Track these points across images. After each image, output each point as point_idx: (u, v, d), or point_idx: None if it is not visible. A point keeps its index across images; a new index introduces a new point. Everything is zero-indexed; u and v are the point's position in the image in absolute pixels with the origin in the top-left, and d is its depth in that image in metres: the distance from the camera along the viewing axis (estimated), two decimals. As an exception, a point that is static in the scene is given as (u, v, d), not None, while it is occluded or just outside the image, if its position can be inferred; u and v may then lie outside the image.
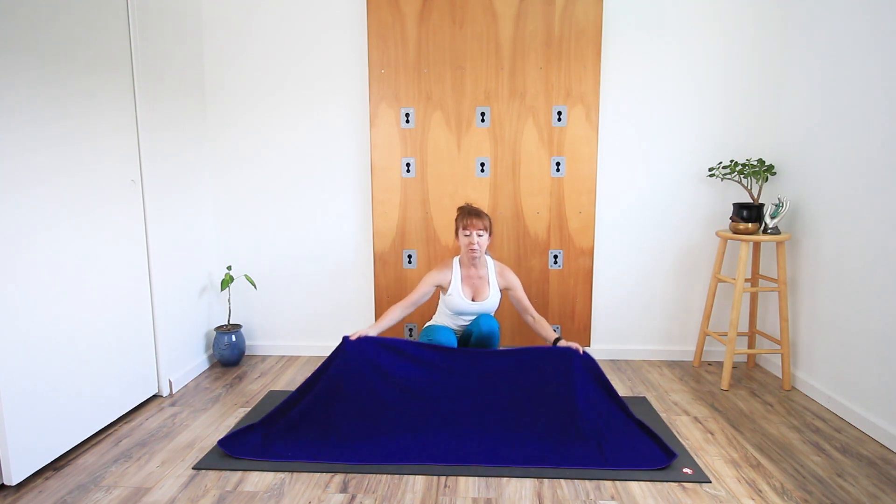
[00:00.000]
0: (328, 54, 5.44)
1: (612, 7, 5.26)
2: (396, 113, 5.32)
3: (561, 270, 5.44)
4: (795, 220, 4.99)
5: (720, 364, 5.55)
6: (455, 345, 4.42)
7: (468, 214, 4.51)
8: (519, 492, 3.39)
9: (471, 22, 5.20)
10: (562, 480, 3.50)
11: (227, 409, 4.54)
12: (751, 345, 5.48)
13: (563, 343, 4.21)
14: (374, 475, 3.57)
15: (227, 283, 5.43)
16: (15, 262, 3.36)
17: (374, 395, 3.98)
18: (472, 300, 4.55)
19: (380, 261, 5.52)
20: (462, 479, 3.52)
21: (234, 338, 5.47)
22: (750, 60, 5.25)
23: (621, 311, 5.66)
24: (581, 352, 4.13)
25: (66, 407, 3.79)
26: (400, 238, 5.47)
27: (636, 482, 3.49)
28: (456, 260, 4.64)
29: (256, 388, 4.96)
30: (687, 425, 4.25)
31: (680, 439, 4.03)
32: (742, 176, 5.13)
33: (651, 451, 3.83)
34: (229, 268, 5.60)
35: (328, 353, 5.72)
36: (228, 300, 5.73)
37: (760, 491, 3.39)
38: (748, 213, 4.93)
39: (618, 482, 3.49)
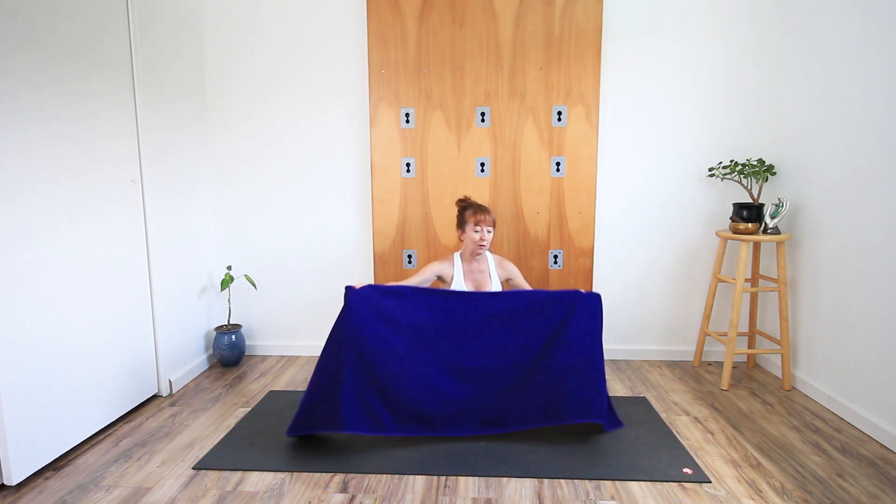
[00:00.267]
0: (328, 55, 5.44)
1: (612, 7, 5.27)
2: (396, 113, 5.32)
3: (561, 270, 5.43)
4: (795, 220, 4.99)
5: (720, 364, 5.55)
6: None
7: (479, 210, 4.53)
8: (519, 492, 3.39)
9: (471, 22, 5.20)
10: (562, 480, 3.50)
11: (227, 410, 4.54)
12: (751, 345, 5.49)
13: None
14: (374, 475, 3.57)
15: (227, 283, 5.43)
16: (15, 262, 3.37)
17: (384, 343, 3.93)
18: None
19: (380, 261, 5.52)
20: (462, 479, 3.52)
21: (233, 338, 5.47)
22: (750, 60, 5.26)
23: (621, 311, 5.66)
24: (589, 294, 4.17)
25: (66, 407, 3.80)
26: (400, 238, 5.47)
27: (636, 482, 3.49)
28: (457, 255, 4.65)
29: (256, 388, 4.96)
30: (687, 425, 4.26)
31: (680, 439, 4.03)
32: (742, 176, 5.13)
33: (600, 408, 4.04)
34: (229, 268, 5.60)
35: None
36: (228, 300, 5.73)
37: (760, 491, 3.40)
38: (748, 213, 4.93)
39: (618, 482, 3.49)
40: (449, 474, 3.57)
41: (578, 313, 4.07)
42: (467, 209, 4.59)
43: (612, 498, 3.33)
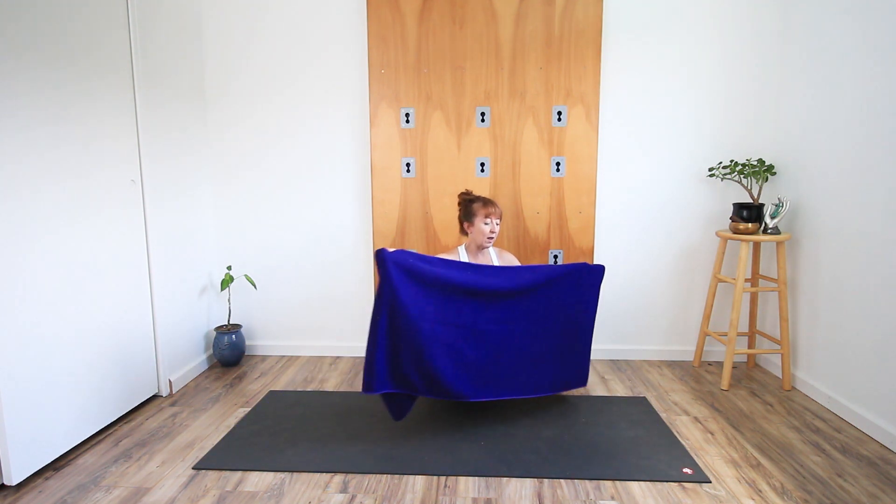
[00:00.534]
0: (328, 55, 5.44)
1: (612, 7, 5.26)
2: (396, 113, 5.32)
3: (561, 270, 5.44)
4: (795, 220, 4.99)
5: (720, 364, 5.55)
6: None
7: (489, 202, 4.59)
8: (519, 492, 3.39)
9: (471, 22, 5.20)
10: (562, 480, 3.50)
11: (227, 410, 4.54)
12: (751, 345, 5.49)
13: None
14: (374, 475, 3.57)
15: (226, 283, 5.43)
16: (15, 262, 3.37)
17: (415, 305, 3.96)
18: None
19: (380, 261, 5.52)
20: (462, 479, 3.52)
21: (233, 338, 5.47)
22: (750, 60, 5.26)
23: (621, 311, 5.66)
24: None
25: (66, 407, 3.80)
26: (400, 238, 5.47)
27: (636, 482, 3.49)
28: (461, 248, 4.68)
29: (256, 388, 4.96)
30: (687, 425, 4.25)
31: (680, 439, 4.03)
32: (742, 176, 5.13)
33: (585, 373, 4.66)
34: (229, 268, 5.61)
35: (328, 354, 5.76)
36: (228, 300, 5.73)
37: (760, 491, 3.40)
38: (748, 213, 4.93)
39: (618, 482, 3.49)
40: (449, 474, 3.57)
41: (583, 287, 4.44)
42: (475, 202, 4.62)
43: (612, 498, 3.33)
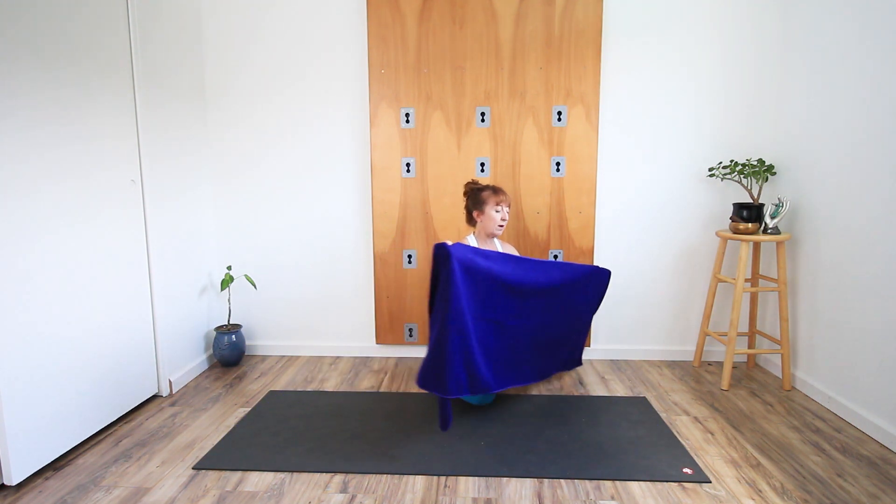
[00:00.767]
0: (328, 55, 5.44)
1: (612, 7, 5.26)
2: (396, 113, 5.32)
3: (561, 270, 5.44)
4: (795, 220, 4.99)
5: (720, 364, 5.55)
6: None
7: (499, 190, 4.68)
8: (519, 492, 3.39)
9: (471, 22, 5.20)
10: (562, 480, 3.50)
11: (227, 410, 4.54)
12: (751, 345, 5.48)
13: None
14: (374, 475, 3.57)
15: (227, 283, 5.43)
16: (15, 262, 3.37)
17: (469, 300, 3.96)
18: None
19: (380, 260, 5.53)
20: (462, 479, 3.52)
21: (233, 338, 5.47)
22: (750, 60, 5.25)
23: (621, 311, 5.65)
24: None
25: (66, 407, 3.80)
26: (400, 238, 5.47)
27: (636, 482, 3.49)
28: (471, 237, 4.75)
29: (256, 388, 4.96)
30: (687, 425, 4.25)
31: (680, 439, 4.03)
32: (742, 176, 5.13)
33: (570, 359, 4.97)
34: (229, 268, 5.60)
35: (328, 354, 5.75)
36: (228, 300, 5.73)
37: (760, 491, 3.40)
38: (748, 213, 4.93)
39: (618, 482, 3.49)
40: (449, 474, 3.57)
41: (590, 286, 4.68)
42: (484, 190, 4.68)
43: (612, 498, 3.33)
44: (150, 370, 4.70)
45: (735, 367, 5.47)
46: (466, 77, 5.26)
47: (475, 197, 4.70)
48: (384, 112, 5.34)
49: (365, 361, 5.65)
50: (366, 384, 5.06)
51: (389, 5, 5.20)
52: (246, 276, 5.56)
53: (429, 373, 3.85)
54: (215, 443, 3.99)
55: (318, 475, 3.57)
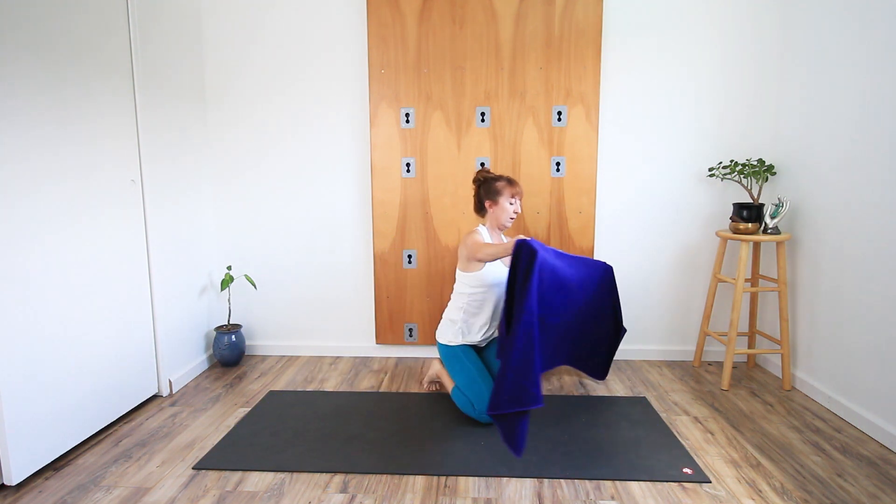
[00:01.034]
0: (328, 55, 5.44)
1: (612, 7, 5.26)
2: (396, 113, 5.32)
3: (561, 270, 5.43)
4: (795, 220, 4.99)
5: (720, 364, 5.55)
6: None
7: (514, 182, 4.57)
8: (519, 492, 3.39)
9: (471, 22, 5.20)
10: (562, 480, 3.50)
11: (227, 409, 4.54)
12: (751, 345, 5.48)
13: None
14: (374, 475, 3.57)
15: (227, 283, 5.42)
16: (16, 262, 3.37)
17: (541, 301, 3.83)
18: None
19: (380, 261, 5.53)
20: (462, 479, 3.52)
21: (233, 338, 5.47)
22: (749, 60, 5.25)
23: (621, 311, 5.64)
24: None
25: (66, 407, 3.80)
26: (400, 238, 5.47)
27: (636, 482, 3.49)
28: (483, 229, 4.61)
29: (257, 388, 4.96)
30: (687, 425, 4.25)
31: (680, 439, 4.03)
32: (742, 176, 5.13)
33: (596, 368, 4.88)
34: (229, 268, 5.60)
35: (328, 354, 5.75)
36: (228, 300, 5.73)
37: (760, 491, 3.40)
38: (748, 213, 4.93)
39: (618, 482, 3.49)
40: (449, 474, 3.57)
41: (604, 284, 4.54)
42: (498, 180, 4.57)
43: (612, 498, 3.33)
44: (151, 370, 4.70)
45: (735, 366, 5.47)
46: (466, 77, 5.26)
47: (489, 186, 4.58)
48: (384, 112, 5.33)
49: (365, 361, 5.65)
50: (366, 384, 5.06)
51: (389, 5, 5.20)
52: (246, 276, 5.56)
53: (514, 387, 3.55)
54: (215, 443, 3.99)
55: (318, 475, 3.57)
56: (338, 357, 5.79)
